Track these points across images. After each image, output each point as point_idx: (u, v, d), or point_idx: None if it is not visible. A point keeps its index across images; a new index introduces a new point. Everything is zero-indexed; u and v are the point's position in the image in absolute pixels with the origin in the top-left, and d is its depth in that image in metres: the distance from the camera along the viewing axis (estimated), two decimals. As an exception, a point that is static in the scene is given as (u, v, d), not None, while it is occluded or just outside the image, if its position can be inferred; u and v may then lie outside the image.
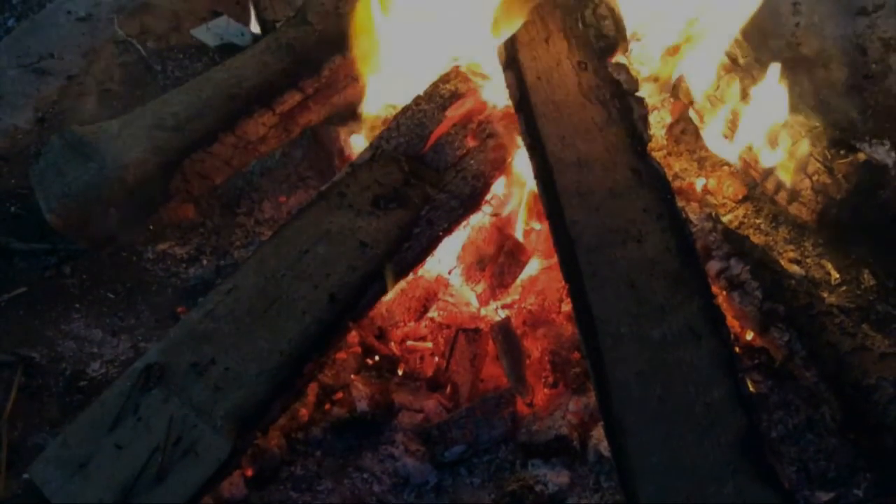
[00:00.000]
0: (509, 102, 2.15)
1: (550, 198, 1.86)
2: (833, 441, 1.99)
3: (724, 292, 2.13)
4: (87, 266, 2.47)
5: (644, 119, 1.98)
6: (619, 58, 2.13)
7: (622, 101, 2.00)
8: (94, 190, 2.24)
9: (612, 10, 2.12)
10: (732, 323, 2.17)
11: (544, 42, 2.06)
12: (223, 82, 2.47)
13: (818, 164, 2.45)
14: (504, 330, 2.13)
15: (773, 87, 2.60)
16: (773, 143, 2.53)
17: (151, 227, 2.55)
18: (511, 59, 2.03)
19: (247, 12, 3.37)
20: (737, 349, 2.16)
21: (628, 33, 2.25)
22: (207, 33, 3.29)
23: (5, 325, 2.30)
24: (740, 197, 2.71)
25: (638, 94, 2.03)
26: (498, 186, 2.31)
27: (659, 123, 2.82)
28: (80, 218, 2.26)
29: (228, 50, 3.24)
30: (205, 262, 2.52)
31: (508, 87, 2.06)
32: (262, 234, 2.61)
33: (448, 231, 2.10)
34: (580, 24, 2.11)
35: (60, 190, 2.25)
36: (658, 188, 1.88)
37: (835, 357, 1.95)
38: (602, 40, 2.09)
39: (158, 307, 2.40)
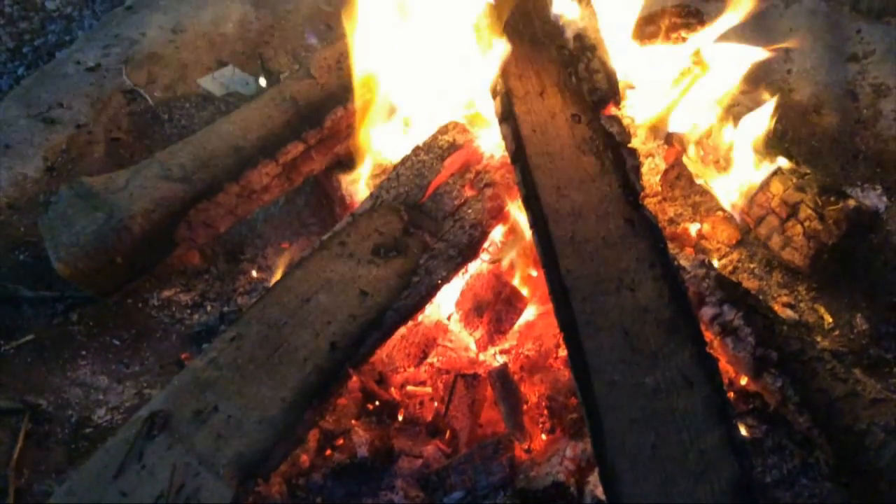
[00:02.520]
0: (506, 153, 2.20)
1: (545, 247, 1.90)
2: (827, 486, 2.01)
3: (718, 338, 2.17)
4: (94, 313, 2.51)
5: (636, 170, 2.03)
6: (611, 110, 2.19)
7: (615, 152, 2.05)
8: (101, 239, 2.30)
9: (604, 64, 2.18)
10: (726, 368, 2.20)
11: (539, 96, 2.12)
12: (228, 134, 2.54)
13: (809, 211, 2.49)
14: (501, 376, 2.17)
15: (764, 133, 2.67)
16: (765, 188, 2.58)
17: (156, 275, 2.60)
18: (507, 112, 2.09)
19: (252, 62, 3.46)
20: (731, 394, 2.20)
21: (621, 84, 2.32)
22: (213, 83, 3.37)
23: (13, 372, 2.33)
24: (734, 242, 2.75)
25: (630, 145, 2.08)
26: (495, 234, 2.36)
27: (653, 170, 2.88)
28: (88, 266, 2.31)
29: (234, 99, 3.32)
30: (209, 308, 2.57)
31: (504, 139, 2.12)
32: (265, 280, 2.65)
33: (446, 279, 2.15)
34: (574, 78, 2.17)
35: (69, 239, 2.31)
36: (651, 237, 1.92)
37: (826, 403, 1.98)
38: (595, 93, 2.14)
39: (163, 353, 2.43)
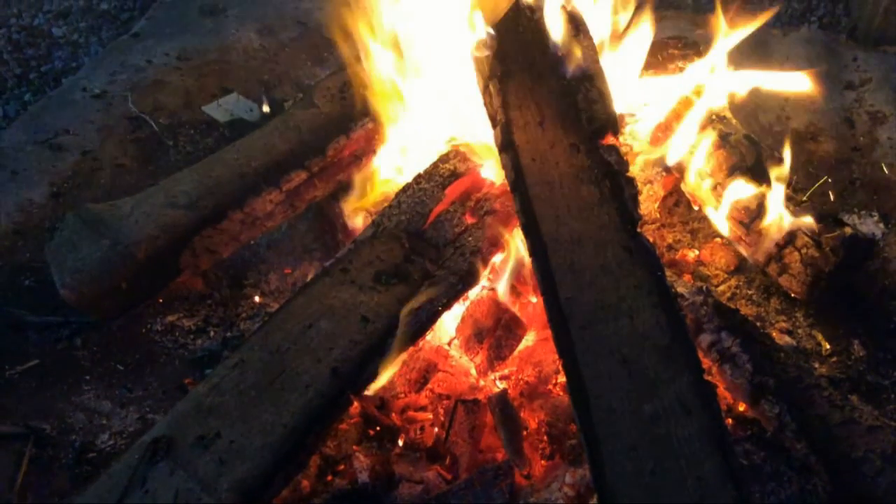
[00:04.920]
0: (506, 181, 2.23)
1: (544, 275, 1.92)
2: (825, 513, 2.02)
3: (716, 365, 2.19)
4: (98, 338, 2.53)
5: (634, 198, 2.05)
6: (610, 139, 2.22)
7: (613, 181, 2.07)
8: (106, 266, 2.33)
9: (602, 95, 2.21)
10: (724, 394, 2.22)
11: (538, 125, 2.16)
12: (233, 162, 2.58)
13: (806, 238, 2.52)
14: (501, 402, 2.18)
15: (761, 161, 2.70)
16: (761, 216, 2.61)
17: (160, 300, 2.63)
18: (507, 141, 2.12)
19: (256, 90, 3.51)
20: (730, 420, 2.21)
21: (621, 114, 2.36)
22: (218, 110, 3.42)
23: (18, 396, 2.35)
24: (732, 268, 2.78)
25: (628, 174, 2.11)
26: (496, 261, 2.39)
27: (652, 196, 2.91)
28: (93, 292, 2.34)
29: (238, 125, 3.36)
30: (212, 333, 2.59)
31: (504, 168, 2.15)
32: (268, 305, 2.67)
33: (447, 306, 2.17)
34: (573, 109, 2.20)
35: (74, 265, 2.34)
36: (649, 265, 1.94)
37: (824, 429, 1.99)
38: (593, 123, 2.18)
39: (166, 378, 2.45)
